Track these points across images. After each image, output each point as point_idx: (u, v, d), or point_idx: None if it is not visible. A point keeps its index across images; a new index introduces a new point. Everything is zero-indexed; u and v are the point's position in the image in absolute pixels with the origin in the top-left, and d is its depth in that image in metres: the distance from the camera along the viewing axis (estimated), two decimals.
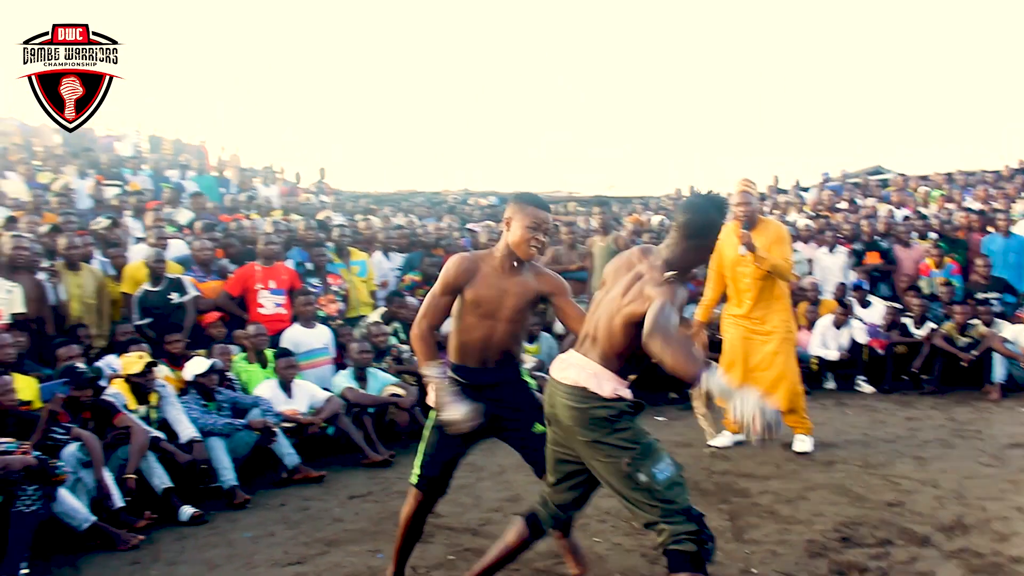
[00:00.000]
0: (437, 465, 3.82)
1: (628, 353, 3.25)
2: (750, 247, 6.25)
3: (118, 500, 5.18)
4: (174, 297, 7.41)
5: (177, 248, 8.60)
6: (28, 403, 5.46)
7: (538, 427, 3.68)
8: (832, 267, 10.40)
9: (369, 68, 57.00)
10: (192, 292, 7.57)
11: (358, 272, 9.02)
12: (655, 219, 13.51)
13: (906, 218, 11.71)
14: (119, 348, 6.60)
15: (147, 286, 7.40)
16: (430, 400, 3.77)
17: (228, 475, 5.88)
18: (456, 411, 3.59)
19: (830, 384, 9.22)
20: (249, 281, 7.87)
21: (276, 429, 6.30)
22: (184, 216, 10.46)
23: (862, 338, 9.11)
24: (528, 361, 8.16)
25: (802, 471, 5.92)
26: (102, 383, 5.82)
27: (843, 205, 13.54)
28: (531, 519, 3.62)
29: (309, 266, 8.59)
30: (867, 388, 8.99)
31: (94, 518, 4.94)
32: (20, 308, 6.47)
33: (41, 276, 6.93)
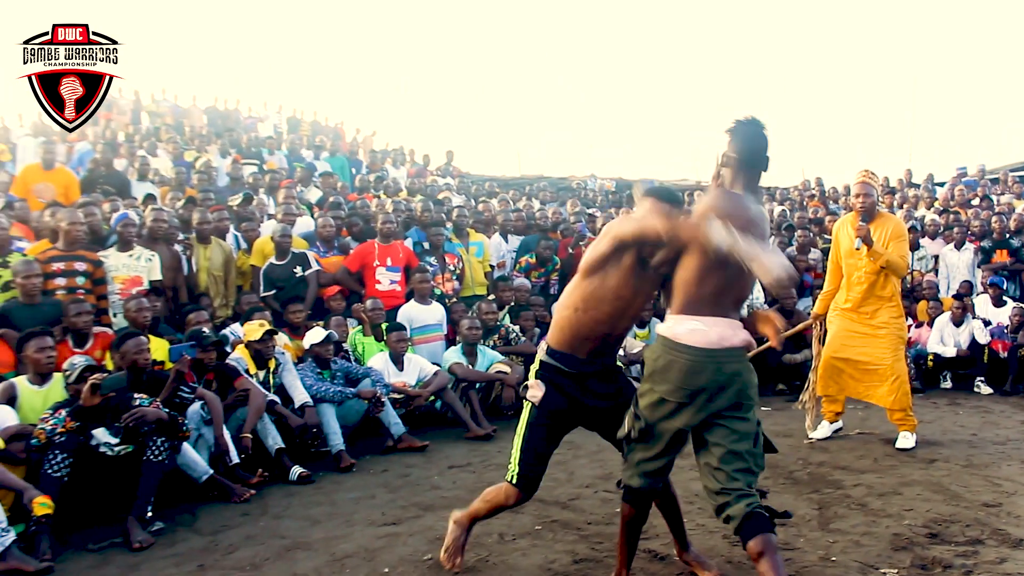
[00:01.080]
0: (533, 463, 3.79)
1: None
2: (867, 240, 6.16)
3: (234, 457, 5.61)
4: (298, 271, 7.83)
5: (304, 225, 9.05)
6: (161, 363, 5.91)
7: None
8: (958, 264, 10.07)
9: (504, 54, 57.44)
10: (314, 266, 7.97)
11: (475, 253, 9.25)
12: (777, 209, 13.31)
13: None
14: (244, 317, 7.03)
15: (273, 260, 7.85)
16: (530, 394, 3.75)
17: (336, 440, 6.22)
18: None
19: (946, 384, 8.97)
20: (367, 258, 8.24)
21: (385, 400, 6.62)
22: (314, 195, 10.97)
23: (983, 338, 8.82)
24: (636, 346, 8.27)
25: (900, 467, 5.82)
26: (226, 348, 6.26)
27: (976, 201, 13.00)
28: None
29: (427, 245, 8.87)
30: (985, 390, 8.68)
31: (212, 471, 5.39)
32: (158, 276, 6.95)
33: (177, 247, 7.46)
